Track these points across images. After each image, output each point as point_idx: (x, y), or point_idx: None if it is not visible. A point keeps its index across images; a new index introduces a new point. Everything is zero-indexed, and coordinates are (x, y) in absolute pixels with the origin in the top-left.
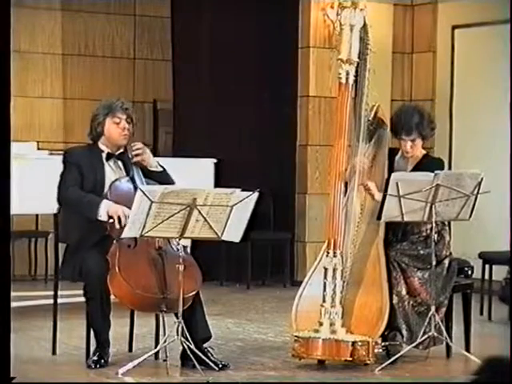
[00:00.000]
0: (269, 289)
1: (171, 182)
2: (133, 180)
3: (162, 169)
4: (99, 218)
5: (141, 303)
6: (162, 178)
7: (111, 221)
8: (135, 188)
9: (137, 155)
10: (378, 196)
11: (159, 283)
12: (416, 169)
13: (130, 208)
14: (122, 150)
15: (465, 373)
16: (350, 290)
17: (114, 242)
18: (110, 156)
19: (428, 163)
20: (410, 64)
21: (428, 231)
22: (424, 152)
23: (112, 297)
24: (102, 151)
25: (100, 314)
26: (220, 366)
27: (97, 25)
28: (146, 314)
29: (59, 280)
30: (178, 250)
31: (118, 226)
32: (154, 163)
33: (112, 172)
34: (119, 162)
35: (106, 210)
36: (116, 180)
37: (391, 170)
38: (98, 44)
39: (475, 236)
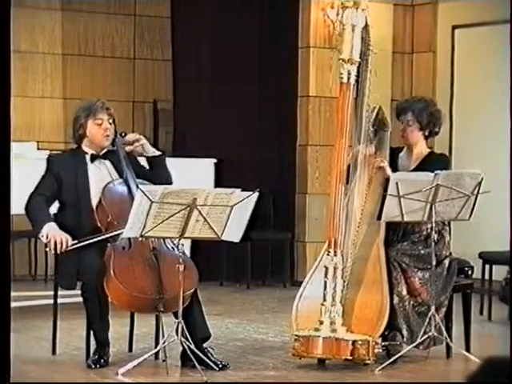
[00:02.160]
0: (269, 289)
1: (167, 173)
2: (126, 182)
3: (160, 152)
4: (41, 238)
5: (138, 305)
6: (161, 164)
7: (47, 249)
8: (129, 190)
9: (136, 141)
10: (390, 171)
11: (155, 284)
12: (420, 166)
13: (125, 210)
14: (106, 150)
15: (465, 373)
16: (350, 289)
17: (109, 245)
18: (94, 157)
19: (432, 160)
20: (410, 64)
21: (428, 230)
22: (429, 150)
23: (110, 299)
24: (86, 153)
25: (98, 314)
26: (220, 366)
27: (97, 25)
28: (146, 314)
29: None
30: (173, 249)
31: (52, 252)
32: (152, 149)
33: (98, 173)
34: (106, 162)
35: (46, 232)
36: (109, 183)
37: (394, 168)
38: (98, 44)
39: (475, 236)
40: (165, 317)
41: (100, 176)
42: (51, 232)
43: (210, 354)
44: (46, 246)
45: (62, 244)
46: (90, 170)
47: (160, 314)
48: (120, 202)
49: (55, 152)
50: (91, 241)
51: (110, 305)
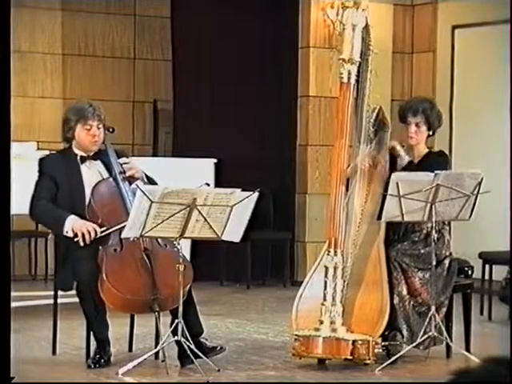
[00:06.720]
0: (269, 289)
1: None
2: (115, 180)
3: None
4: (66, 234)
5: (133, 307)
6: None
7: (76, 239)
8: (118, 188)
9: (130, 169)
10: (404, 156)
11: (149, 284)
12: (420, 165)
13: (115, 210)
14: (95, 151)
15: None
16: (350, 289)
17: (100, 248)
18: (84, 159)
19: (432, 159)
20: (410, 64)
21: (428, 229)
22: (427, 150)
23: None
24: (76, 154)
25: (94, 314)
26: (218, 349)
27: (97, 25)
28: (147, 314)
29: None
30: (166, 245)
31: (81, 243)
32: (141, 174)
33: (89, 173)
34: (97, 162)
35: (70, 226)
36: (98, 183)
37: (394, 168)
38: (98, 44)
39: (475, 236)
40: (162, 316)
41: (92, 177)
42: (76, 225)
43: (203, 345)
44: (74, 238)
45: (90, 233)
46: (82, 171)
47: (157, 314)
48: (109, 202)
49: (47, 154)
50: (117, 227)
51: (107, 306)
